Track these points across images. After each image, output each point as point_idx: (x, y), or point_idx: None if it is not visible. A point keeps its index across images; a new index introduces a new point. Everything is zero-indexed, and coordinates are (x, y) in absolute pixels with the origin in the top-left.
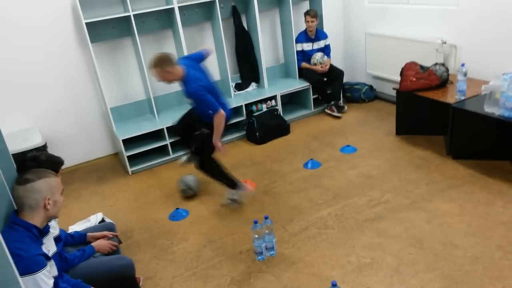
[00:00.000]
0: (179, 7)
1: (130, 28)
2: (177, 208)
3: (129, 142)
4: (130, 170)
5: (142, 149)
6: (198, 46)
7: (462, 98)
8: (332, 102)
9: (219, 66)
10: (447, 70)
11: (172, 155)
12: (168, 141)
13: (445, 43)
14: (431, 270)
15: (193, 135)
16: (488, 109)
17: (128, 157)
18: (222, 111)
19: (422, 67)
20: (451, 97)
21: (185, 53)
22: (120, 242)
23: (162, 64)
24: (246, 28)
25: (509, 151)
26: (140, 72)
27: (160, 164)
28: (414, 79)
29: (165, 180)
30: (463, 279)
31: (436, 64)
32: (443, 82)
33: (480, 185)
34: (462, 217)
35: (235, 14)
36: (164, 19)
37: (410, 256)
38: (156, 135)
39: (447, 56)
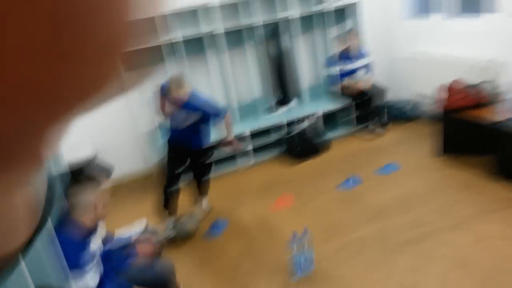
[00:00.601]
0: (225, 32)
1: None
2: (217, 219)
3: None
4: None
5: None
6: (238, 66)
7: (511, 116)
8: (375, 119)
9: (260, 83)
10: (496, 88)
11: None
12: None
13: (493, 60)
14: None
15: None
16: None
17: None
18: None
19: (469, 85)
20: (499, 115)
21: (229, 73)
22: (162, 247)
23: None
24: (286, 48)
25: None
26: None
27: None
28: (461, 96)
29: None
30: None
31: (484, 81)
32: (492, 100)
33: None
34: None
35: (275, 35)
36: (206, 41)
37: (455, 279)
38: None
39: (495, 74)
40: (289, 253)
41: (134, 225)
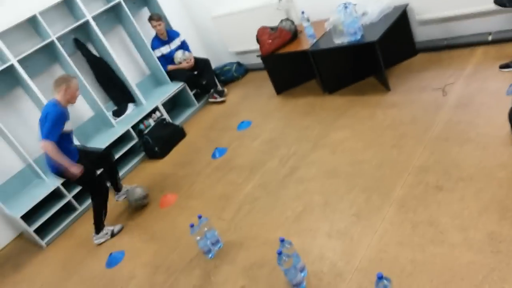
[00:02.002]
0: (18, 60)
1: None
2: (111, 254)
3: (28, 216)
4: (43, 243)
5: (45, 217)
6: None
7: (314, 40)
8: (212, 90)
9: (87, 101)
10: (293, 22)
11: (80, 208)
12: (70, 196)
13: (281, 0)
14: (351, 189)
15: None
16: (338, 40)
17: (35, 230)
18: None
19: (272, 28)
20: (306, 44)
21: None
22: None
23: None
24: (98, 55)
25: (369, 68)
26: (6, 142)
27: (72, 222)
28: (270, 41)
29: (85, 235)
30: (378, 185)
31: (282, 21)
32: (294, 34)
33: (359, 105)
34: (356, 137)
35: (80, 46)
36: (8, 78)
37: (331, 187)
38: (54, 196)
39: (288, 11)
40: (195, 242)
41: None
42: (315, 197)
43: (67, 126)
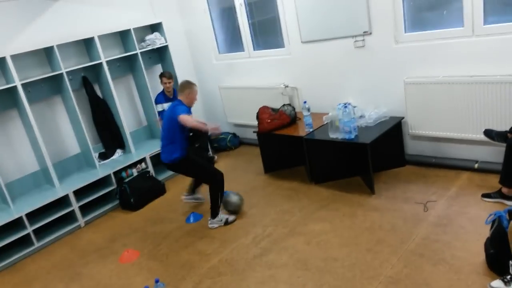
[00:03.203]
0: (22, 84)
1: None
2: None
3: None
4: None
5: None
6: (50, 121)
7: (311, 130)
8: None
9: (77, 138)
10: (294, 109)
11: (37, 244)
12: (30, 229)
13: (287, 86)
14: (319, 286)
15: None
16: (333, 135)
17: None
18: None
19: (273, 109)
20: (302, 131)
21: (36, 131)
22: None
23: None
24: (101, 96)
25: (357, 168)
26: None
27: (25, 257)
28: (269, 120)
29: (34, 273)
30: (347, 286)
31: (284, 105)
32: (293, 119)
33: (342, 201)
34: (334, 232)
35: (87, 84)
36: (6, 98)
37: (299, 279)
38: (13, 225)
39: (291, 97)
40: None
41: None
42: (280, 286)
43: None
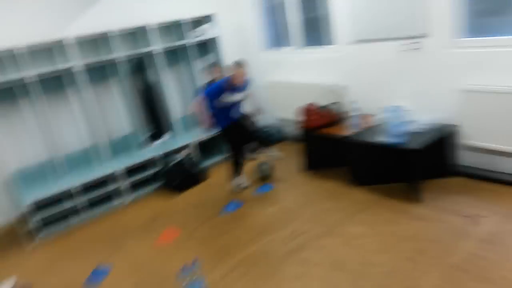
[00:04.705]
0: (82, 66)
1: (27, 90)
2: (96, 269)
3: (36, 207)
4: (40, 235)
5: (51, 212)
6: (104, 102)
7: (357, 130)
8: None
9: (128, 119)
10: (342, 108)
11: (85, 215)
12: (80, 200)
13: (336, 85)
14: None
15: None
16: (380, 138)
17: (38, 221)
18: None
19: (320, 107)
20: (348, 131)
21: (91, 111)
22: None
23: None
24: (152, 82)
25: (404, 174)
26: (41, 133)
27: (73, 225)
28: (315, 118)
29: (81, 241)
30: None
31: (331, 103)
32: (340, 118)
33: (385, 206)
34: (374, 237)
35: (139, 70)
36: (66, 78)
37: (333, 280)
38: (66, 196)
39: (339, 96)
40: (180, 286)
41: (2, 284)
42: (314, 284)
43: (226, 99)
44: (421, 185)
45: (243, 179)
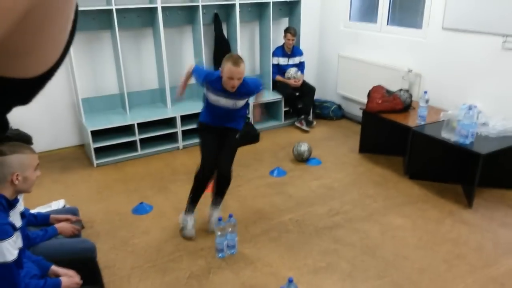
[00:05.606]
0: (162, 7)
1: (111, 22)
2: (141, 203)
3: (97, 135)
4: (95, 162)
5: (110, 142)
6: (177, 48)
7: (422, 123)
8: (302, 116)
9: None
10: (411, 96)
11: (140, 151)
12: (137, 137)
13: (411, 71)
14: (381, 277)
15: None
16: (445, 135)
17: (95, 149)
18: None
19: (388, 91)
20: (412, 121)
21: (164, 53)
22: (83, 227)
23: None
24: (226, 36)
25: (461, 176)
26: (116, 66)
27: (127, 159)
28: (380, 101)
29: (131, 175)
30: (409, 287)
31: (401, 90)
32: (406, 107)
33: (432, 204)
34: (413, 232)
35: (217, 21)
36: (146, 17)
37: (362, 263)
38: (125, 130)
39: (411, 84)
40: (214, 235)
41: (51, 205)
42: (342, 263)
43: (210, 96)
44: (477, 192)
45: (191, 220)
